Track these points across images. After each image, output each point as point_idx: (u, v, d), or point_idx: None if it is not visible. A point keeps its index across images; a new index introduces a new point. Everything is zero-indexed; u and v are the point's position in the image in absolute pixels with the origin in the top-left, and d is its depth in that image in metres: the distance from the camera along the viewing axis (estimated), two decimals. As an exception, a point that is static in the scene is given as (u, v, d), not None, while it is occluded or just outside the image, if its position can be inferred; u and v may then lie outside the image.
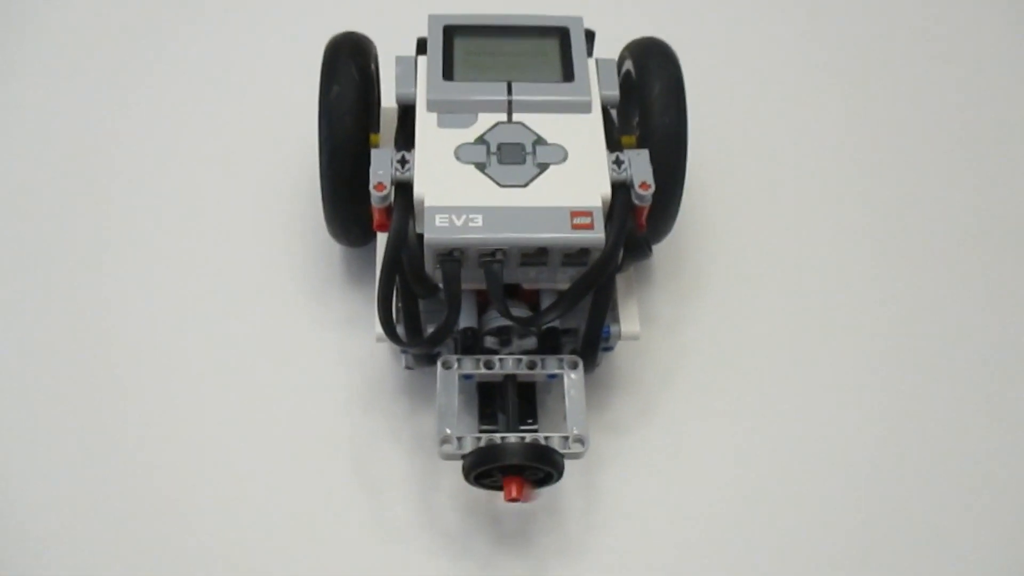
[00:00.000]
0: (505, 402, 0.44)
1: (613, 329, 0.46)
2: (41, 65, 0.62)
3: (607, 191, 0.42)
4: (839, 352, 0.53)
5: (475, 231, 0.40)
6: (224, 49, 0.63)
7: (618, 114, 0.51)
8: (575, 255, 0.41)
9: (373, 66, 0.49)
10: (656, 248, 0.53)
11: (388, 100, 0.49)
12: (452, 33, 0.46)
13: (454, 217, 0.40)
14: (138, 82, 0.61)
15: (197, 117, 0.60)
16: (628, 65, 0.50)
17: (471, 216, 0.40)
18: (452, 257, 0.40)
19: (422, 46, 0.47)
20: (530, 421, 0.45)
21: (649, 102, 0.47)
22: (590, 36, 0.48)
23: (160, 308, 0.52)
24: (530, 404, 0.45)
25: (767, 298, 0.55)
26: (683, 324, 0.53)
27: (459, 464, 0.42)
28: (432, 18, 0.47)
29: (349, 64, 0.46)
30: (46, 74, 0.61)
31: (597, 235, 0.40)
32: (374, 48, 0.49)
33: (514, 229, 0.40)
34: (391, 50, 0.48)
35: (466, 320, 0.44)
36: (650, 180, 0.42)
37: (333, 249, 0.54)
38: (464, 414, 0.47)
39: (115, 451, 0.48)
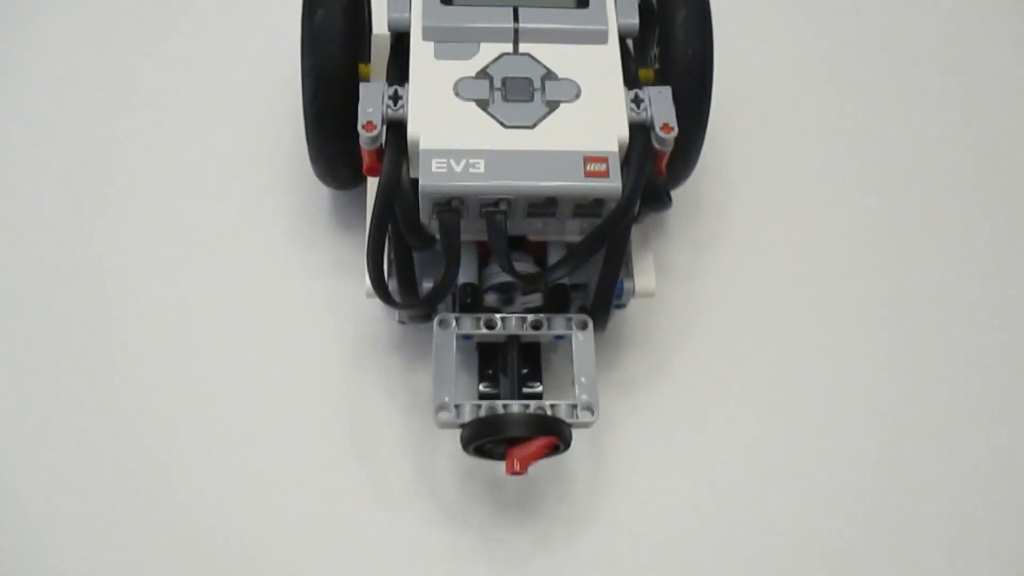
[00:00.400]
0: (507, 364, 0.40)
1: (627, 285, 0.42)
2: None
3: (624, 134, 0.37)
4: (862, 307, 0.49)
5: (476, 178, 0.36)
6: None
7: (634, 44, 0.46)
8: (587, 205, 0.37)
9: None
10: (673, 194, 0.49)
11: (380, 27, 0.44)
12: None
13: (453, 162, 0.36)
14: (112, 10, 0.56)
15: (173, 47, 0.55)
16: None
17: (472, 161, 0.36)
18: (451, 207, 0.36)
19: None
20: (534, 384, 0.41)
21: (671, 31, 0.42)
22: None
23: (139, 255, 0.48)
24: (534, 366, 0.41)
25: (789, 249, 0.50)
26: (700, 275, 0.49)
27: (457, 431, 0.39)
28: None
29: None
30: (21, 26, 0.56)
31: (613, 184, 0.36)
32: None
33: (520, 176, 0.36)
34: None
35: (465, 275, 0.40)
36: (673, 122, 0.38)
37: (321, 192, 0.49)
38: (463, 373, 0.43)
39: (98, 402, 0.44)
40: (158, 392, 0.45)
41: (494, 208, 0.36)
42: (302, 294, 0.47)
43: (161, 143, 0.52)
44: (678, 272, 0.49)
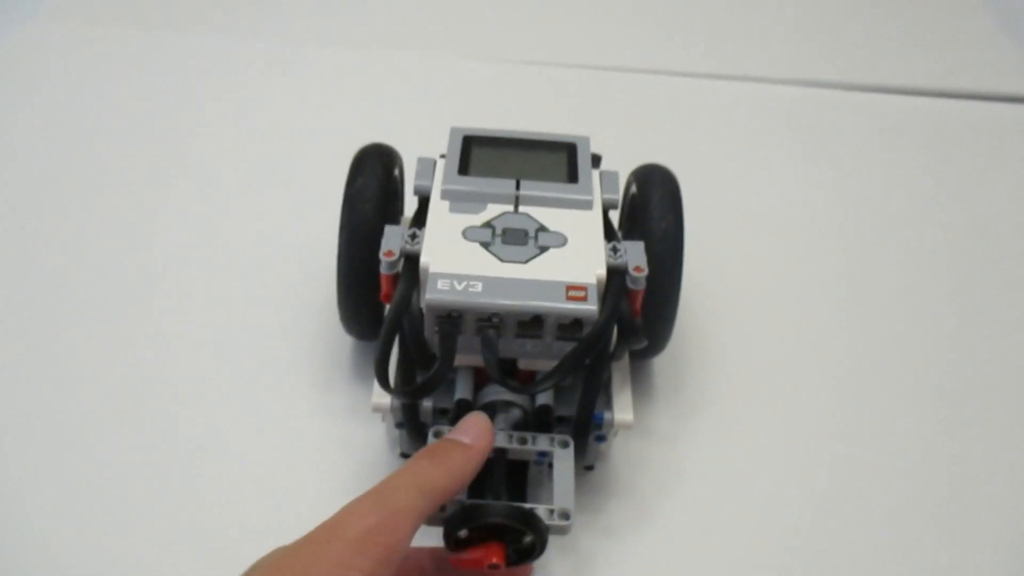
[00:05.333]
0: (493, 479, 0.44)
1: (606, 416, 0.46)
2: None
3: (602, 271, 0.44)
4: (845, 461, 0.52)
5: (474, 296, 0.42)
6: (256, 158, 0.71)
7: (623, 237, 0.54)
8: (569, 328, 0.43)
9: (397, 171, 0.53)
10: (655, 361, 0.55)
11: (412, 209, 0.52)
12: (470, 142, 0.51)
13: (455, 282, 0.43)
14: (171, 167, 0.69)
15: (231, 208, 0.67)
16: (633, 189, 0.54)
17: (471, 283, 0.43)
18: (450, 319, 0.43)
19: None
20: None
21: (648, 210, 0.50)
22: (596, 160, 0.53)
23: (162, 387, 0.54)
24: (520, 486, 0.45)
25: (769, 411, 0.55)
26: (682, 439, 0.53)
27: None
28: (454, 130, 0.52)
29: (375, 162, 0.51)
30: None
31: (590, 307, 0.42)
32: (400, 158, 0.54)
33: (511, 297, 0.42)
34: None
35: (461, 393, 0.45)
36: (644, 264, 0.45)
37: (344, 342, 0.56)
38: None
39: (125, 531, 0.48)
40: (174, 522, 0.48)
41: (487, 323, 0.42)
42: (318, 433, 0.52)
43: (200, 281, 0.61)
44: (661, 435, 0.53)
